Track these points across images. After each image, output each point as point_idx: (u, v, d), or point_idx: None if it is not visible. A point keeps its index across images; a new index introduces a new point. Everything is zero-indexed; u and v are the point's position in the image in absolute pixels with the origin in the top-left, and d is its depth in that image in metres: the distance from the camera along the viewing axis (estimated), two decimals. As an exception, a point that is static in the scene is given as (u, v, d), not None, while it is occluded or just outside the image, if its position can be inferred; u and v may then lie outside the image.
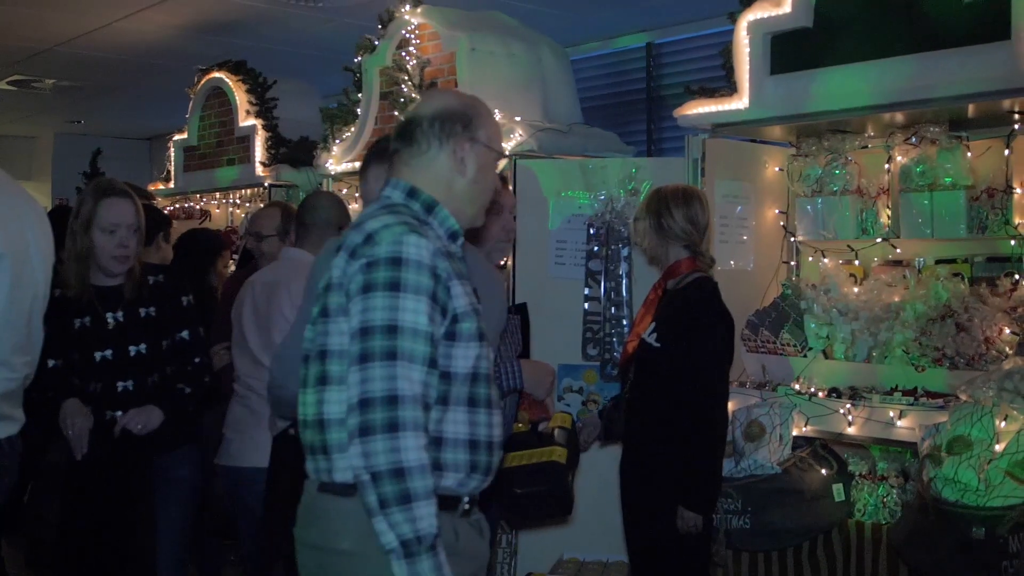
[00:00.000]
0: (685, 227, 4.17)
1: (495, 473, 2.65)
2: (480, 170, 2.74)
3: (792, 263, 5.44)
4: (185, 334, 4.30)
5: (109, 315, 4.15)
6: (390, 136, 3.48)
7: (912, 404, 4.30)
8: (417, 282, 2.43)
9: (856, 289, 4.91)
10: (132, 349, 4.16)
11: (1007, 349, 4.28)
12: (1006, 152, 4.55)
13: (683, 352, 4.03)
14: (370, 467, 2.33)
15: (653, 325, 4.16)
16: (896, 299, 4.66)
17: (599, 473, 4.94)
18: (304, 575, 2.63)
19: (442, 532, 2.41)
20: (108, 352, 4.12)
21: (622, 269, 5.50)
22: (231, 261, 7.47)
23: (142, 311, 4.22)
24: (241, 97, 8.60)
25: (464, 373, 2.54)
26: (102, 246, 4.10)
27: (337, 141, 7.16)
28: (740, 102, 4.91)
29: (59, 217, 7.16)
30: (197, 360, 4.34)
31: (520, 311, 4.43)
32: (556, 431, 3.80)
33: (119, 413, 4.04)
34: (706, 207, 4.25)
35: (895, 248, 5.00)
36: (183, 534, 4.55)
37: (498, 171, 2.90)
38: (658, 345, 4.11)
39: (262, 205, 8.05)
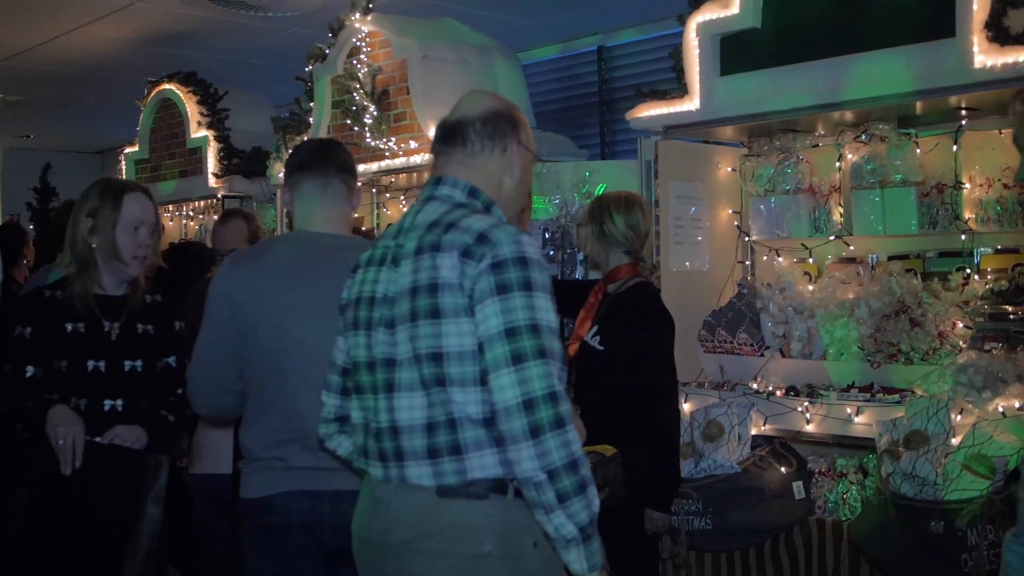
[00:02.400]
0: (626, 233, 4.25)
1: None
2: (523, 171, 2.78)
3: (747, 263, 5.47)
4: (172, 360, 3.92)
5: (107, 324, 3.80)
6: (317, 142, 3.49)
7: (869, 400, 4.33)
8: (543, 281, 2.47)
9: (811, 287, 4.94)
10: (127, 364, 3.80)
11: (961, 343, 4.31)
12: (954, 148, 4.59)
13: (628, 354, 4.06)
14: (546, 466, 2.36)
15: (596, 328, 4.19)
16: (850, 296, 4.68)
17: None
18: None
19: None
20: (102, 363, 3.75)
21: (578, 273, 5.51)
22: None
23: (139, 327, 3.87)
24: (192, 108, 8.56)
25: None
26: (124, 245, 3.78)
27: (290, 151, 7.11)
28: (691, 104, 4.92)
29: (9, 234, 7.13)
30: (180, 391, 3.85)
31: None
32: None
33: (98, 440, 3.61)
34: (647, 214, 4.34)
35: (848, 245, 5.03)
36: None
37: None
38: (601, 348, 4.13)
39: (215, 217, 8.00)
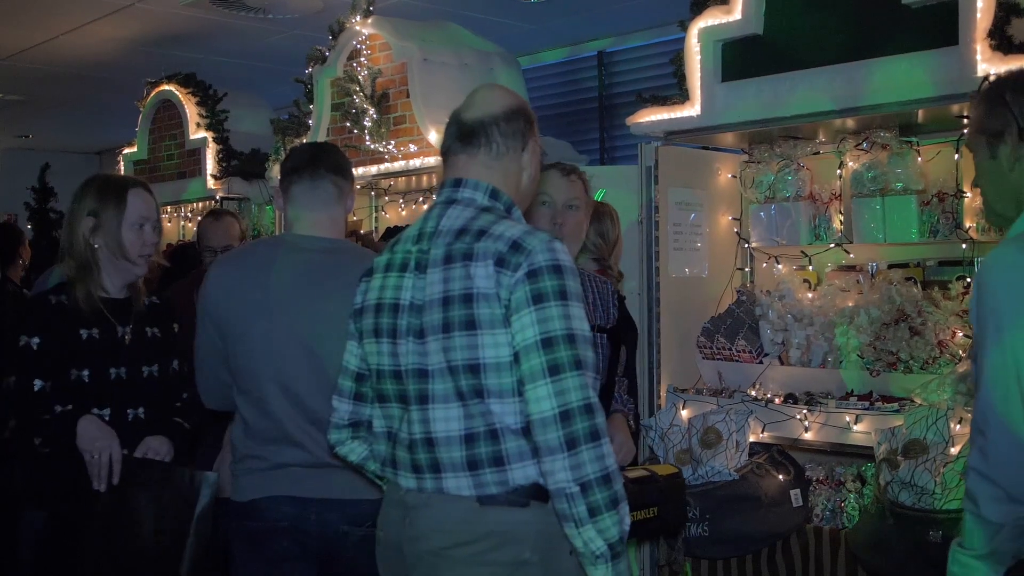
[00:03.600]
0: (596, 241, 4.41)
1: None
2: (536, 167, 2.77)
3: (746, 269, 5.44)
4: (175, 364, 3.77)
5: (119, 329, 3.61)
6: (308, 146, 3.49)
7: (867, 409, 4.31)
8: (576, 289, 2.45)
9: (810, 295, 4.92)
10: (145, 369, 3.63)
11: (960, 352, 4.30)
12: (955, 156, 4.57)
13: None
14: (579, 478, 2.34)
15: None
16: (850, 304, 4.67)
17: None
18: None
19: None
20: (123, 370, 3.56)
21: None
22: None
23: (148, 330, 3.70)
24: (191, 110, 8.55)
25: None
26: (131, 244, 3.60)
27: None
28: (692, 110, 4.91)
29: (5, 234, 7.11)
30: (185, 396, 3.75)
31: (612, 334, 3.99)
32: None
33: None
34: (616, 224, 4.52)
35: (848, 253, 5.01)
36: None
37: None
38: None
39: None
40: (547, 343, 2.36)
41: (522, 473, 2.45)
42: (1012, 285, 2.39)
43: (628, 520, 2.41)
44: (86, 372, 3.50)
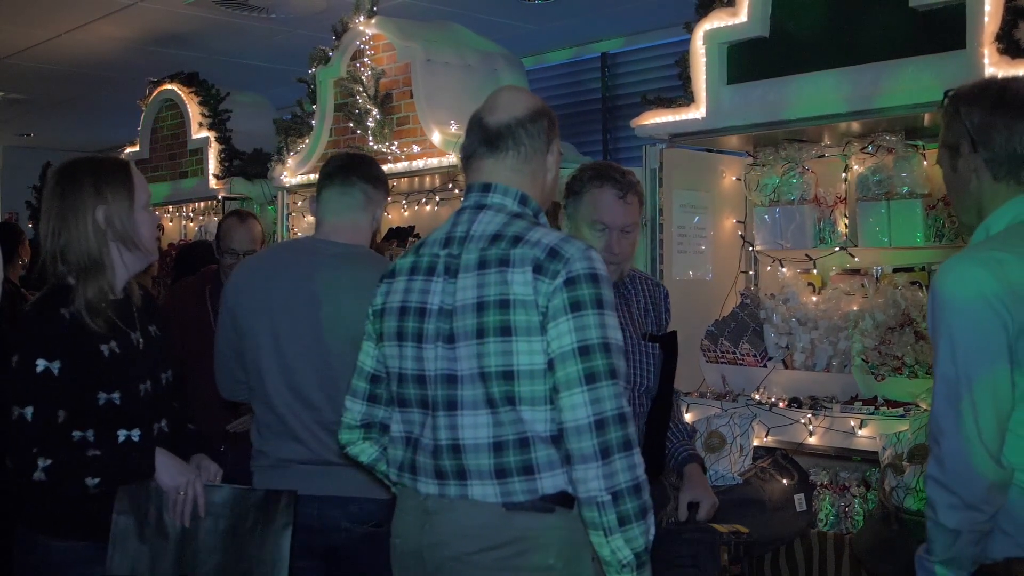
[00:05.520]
0: None
1: None
2: (558, 167, 2.76)
3: (750, 272, 5.43)
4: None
5: (133, 336, 3.09)
6: (345, 154, 3.51)
7: (872, 413, 4.30)
8: (610, 298, 2.44)
9: (815, 298, 4.91)
10: (163, 377, 3.17)
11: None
12: (962, 160, 4.56)
13: None
14: (611, 487, 2.34)
15: None
16: (855, 308, 4.66)
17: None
18: None
19: None
20: (148, 383, 3.08)
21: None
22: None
23: (151, 329, 3.19)
24: (194, 109, 8.55)
25: None
26: (147, 227, 3.12)
27: (291, 153, 7.11)
28: (697, 112, 4.89)
29: (5, 233, 7.09)
30: (179, 396, 3.33)
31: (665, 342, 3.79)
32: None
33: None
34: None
35: (853, 257, 5.00)
36: None
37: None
38: None
39: (216, 218, 7.97)
40: (584, 351, 2.36)
41: (551, 482, 2.44)
42: (964, 299, 2.43)
43: (654, 529, 2.41)
44: (116, 395, 3.00)
